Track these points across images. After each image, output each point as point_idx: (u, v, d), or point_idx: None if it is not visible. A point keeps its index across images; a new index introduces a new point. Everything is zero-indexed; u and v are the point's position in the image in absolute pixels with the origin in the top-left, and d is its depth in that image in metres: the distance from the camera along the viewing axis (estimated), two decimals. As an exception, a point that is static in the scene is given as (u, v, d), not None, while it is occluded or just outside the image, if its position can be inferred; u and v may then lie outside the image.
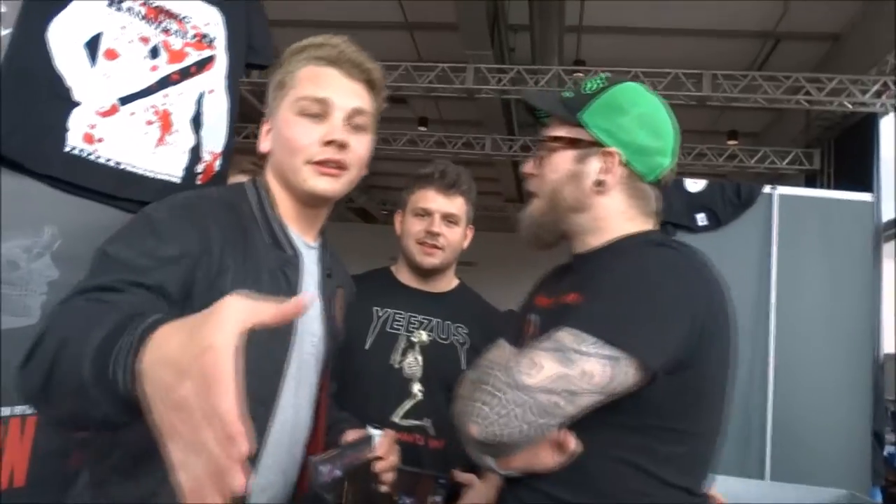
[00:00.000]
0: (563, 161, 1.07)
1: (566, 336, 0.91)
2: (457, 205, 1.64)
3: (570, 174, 1.06)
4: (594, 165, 1.05)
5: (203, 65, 1.34)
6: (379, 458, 1.09)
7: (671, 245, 1.03)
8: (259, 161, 1.73)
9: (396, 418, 1.57)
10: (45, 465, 1.24)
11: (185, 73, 1.31)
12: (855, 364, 2.53)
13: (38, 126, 1.18)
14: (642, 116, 1.06)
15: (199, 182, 1.34)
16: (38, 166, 1.18)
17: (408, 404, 1.58)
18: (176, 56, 1.31)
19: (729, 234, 2.62)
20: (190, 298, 0.89)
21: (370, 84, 1.09)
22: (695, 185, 2.69)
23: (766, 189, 2.66)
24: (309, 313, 1.06)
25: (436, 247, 1.63)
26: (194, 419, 0.49)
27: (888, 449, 4.26)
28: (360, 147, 1.07)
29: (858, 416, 2.49)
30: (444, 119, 7.87)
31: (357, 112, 1.06)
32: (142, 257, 0.86)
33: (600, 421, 0.92)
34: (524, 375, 0.89)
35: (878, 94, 6.12)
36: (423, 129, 7.54)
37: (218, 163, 1.37)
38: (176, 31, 1.31)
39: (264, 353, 0.99)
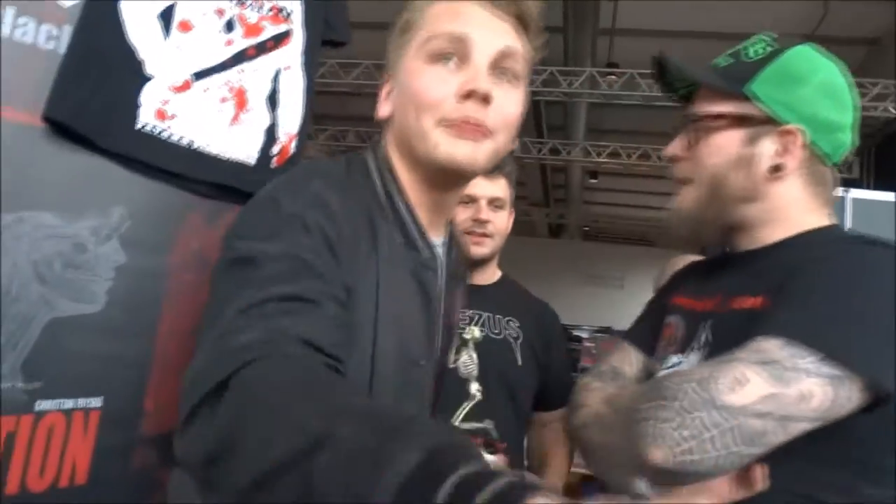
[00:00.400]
0: (727, 142, 0.91)
1: (774, 348, 0.75)
2: (501, 187, 1.56)
3: (737, 158, 0.90)
4: (768, 147, 0.90)
5: (280, 40, 1.26)
6: None
7: (885, 244, 0.86)
8: (319, 149, 1.66)
9: (457, 422, 1.48)
10: (107, 463, 1.16)
11: (262, 49, 1.23)
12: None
13: (110, 101, 1.11)
14: (824, 85, 0.91)
15: (274, 165, 1.26)
16: (109, 144, 1.11)
17: (467, 406, 1.50)
18: (252, 30, 1.23)
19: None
20: None
21: (521, 22, 0.85)
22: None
23: (839, 192, 2.56)
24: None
25: (485, 235, 1.55)
26: None
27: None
28: (509, 104, 0.82)
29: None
30: (471, 121, 7.79)
31: (505, 55, 0.81)
32: (314, 257, 0.68)
33: (791, 449, 0.76)
34: (727, 393, 0.73)
35: (922, 101, 5.97)
36: (450, 131, 7.47)
37: (293, 144, 1.29)
38: (251, 4, 1.23)
39: (410, 379, 0.83)
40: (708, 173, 0.92)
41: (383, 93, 0.90)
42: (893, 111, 5.65)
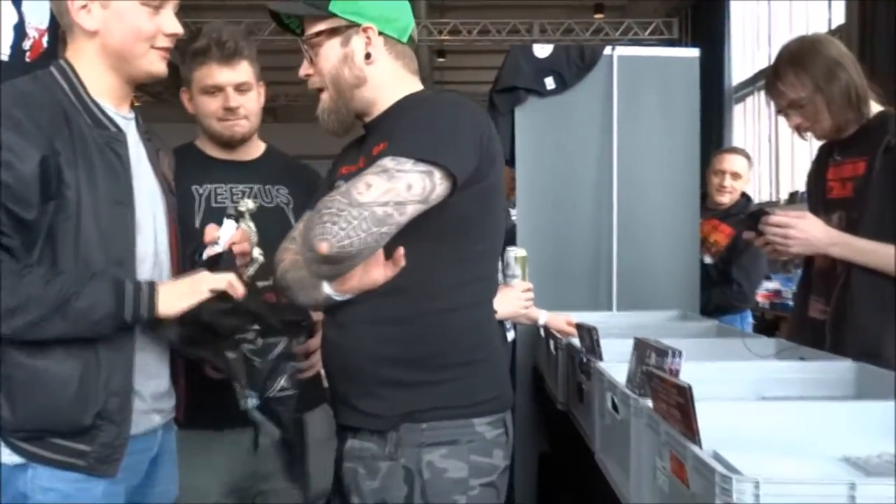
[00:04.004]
0: (331, 50, 1.24)
1: (387, 161, 1.11)
2: (243, 71, 1.60)
3: (342, 58, 1.24)
4: (358, 43, 1.24)
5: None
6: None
7: (448, 92, 1.34)
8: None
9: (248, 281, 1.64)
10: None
11: (-5, -54, 1.26)
12: (683, 206, 2.86)
13: None
14: None
15: (28, 59, 1.32)
16: None
17: (252, 269, 1.62)
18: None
19: (575, 95, 2.80)
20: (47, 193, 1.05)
21: None
22: (542, 50, 2.82)
23: (607, 51, 2.84)
24: (141, 172, 1.20)
25: (238, 119, 1.62)
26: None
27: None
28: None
29: (687, 252, 2.87)
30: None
31: None
32: None
33: (415, 233, 1.14)
34: (359, 195, 1.08)
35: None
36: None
37: (45, 39, 1.35)
38: None
39: (113, 216, 1.12)
40: (329, 76, 1.26)
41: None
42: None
